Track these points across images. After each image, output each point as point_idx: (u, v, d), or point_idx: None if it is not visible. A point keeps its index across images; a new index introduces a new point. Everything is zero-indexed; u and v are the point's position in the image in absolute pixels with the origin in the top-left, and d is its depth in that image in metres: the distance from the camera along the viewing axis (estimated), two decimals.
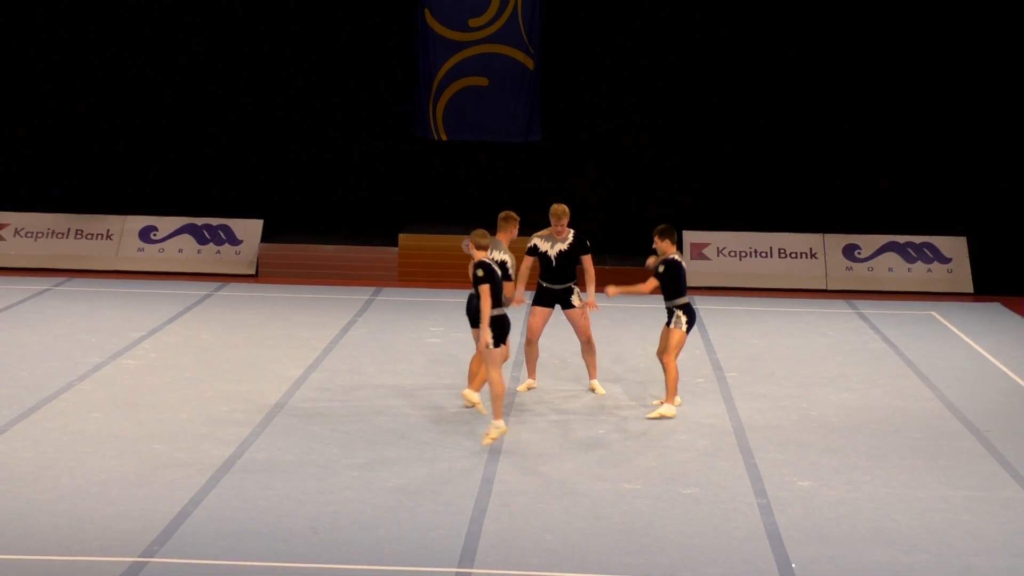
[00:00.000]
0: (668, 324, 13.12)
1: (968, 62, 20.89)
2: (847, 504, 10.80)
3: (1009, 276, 20.50)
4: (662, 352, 13.18)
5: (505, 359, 12.45)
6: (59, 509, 10.29)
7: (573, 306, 13.56)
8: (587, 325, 13.68)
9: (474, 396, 12.41)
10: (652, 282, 13.10)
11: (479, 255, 12.29)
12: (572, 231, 13.56)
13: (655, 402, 13.38)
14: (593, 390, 13.87)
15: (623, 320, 17.57)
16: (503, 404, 12.20)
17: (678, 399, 13.34)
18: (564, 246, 13.51)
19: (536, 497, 10.80)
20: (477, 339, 12.33)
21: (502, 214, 13.26)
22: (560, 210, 13.51)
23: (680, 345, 13.11)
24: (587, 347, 13.78)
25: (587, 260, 13.55)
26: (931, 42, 20.90)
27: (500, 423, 11.95)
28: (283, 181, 21.71)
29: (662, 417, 13.00)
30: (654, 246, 13.15)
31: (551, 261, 13.50)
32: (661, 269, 13.06)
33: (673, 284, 13.07)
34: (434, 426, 12.62)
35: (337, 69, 21.45)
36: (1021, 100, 20.84)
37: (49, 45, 21.51)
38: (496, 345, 12.10)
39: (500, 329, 12.13)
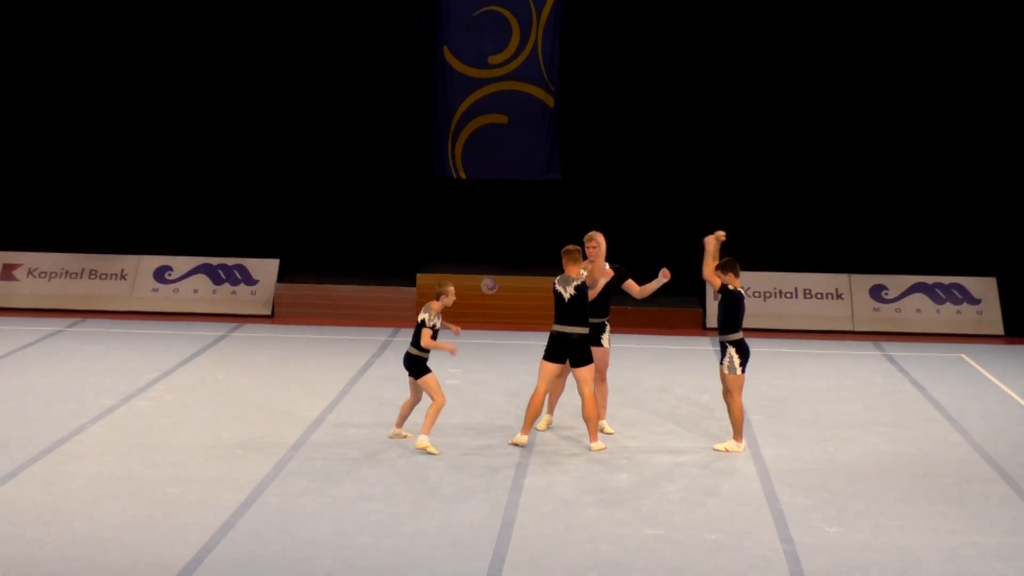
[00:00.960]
0: (721, 363, 13.21)
1: (999, 101, 20.89)
2: (875, 550, 10.74)
3: None
4: (726, 394, 13.31)
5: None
6: (71, 555, 10.29)
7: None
8: (605, 365, 13.72)
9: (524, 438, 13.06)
10: (715, 277, 13.21)
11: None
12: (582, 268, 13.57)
13: (718, 445, 13.47)
14: (602, 430, 13.85)
15: (644, 363, 17.56)
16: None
17: (743, 444, 13.37)
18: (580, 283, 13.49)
19: (556, 543, 10.76)
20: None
21: (564, 248, 13.31)
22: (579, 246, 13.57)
23: (740, 386, 13.26)
24: (600, 386, 13.77)
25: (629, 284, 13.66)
26: (960, 83, 20.90)
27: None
28: (299, 220, 21.78)
29: (728, 451, 13.30)
30: (716, 279, 13.21)
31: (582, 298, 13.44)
32: (717, 299, 13.16)
33: (730, 316, 13.15)
34: (453, 470, 12.60)
35: (355, 107, 21.54)
36: None
37: (66, 84, 21.64)
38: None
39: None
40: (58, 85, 21.67)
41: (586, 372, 13.22)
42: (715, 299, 13.20)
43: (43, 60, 21.65)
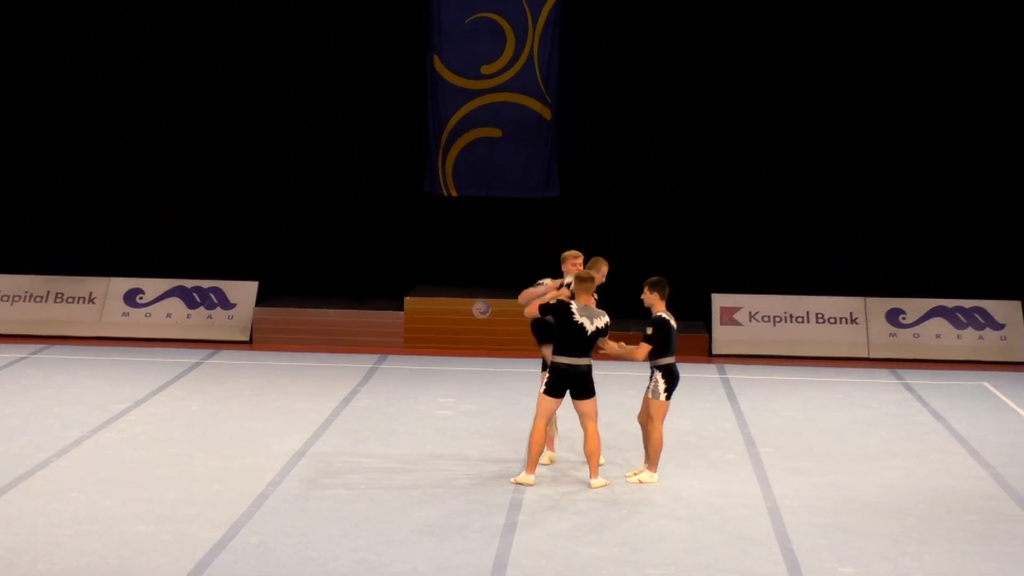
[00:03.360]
0: (647, 388, 13.29)
1: (1020, 118, 20.94)
2: None
3: None
4: (645, 418, 13.35)
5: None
6: None
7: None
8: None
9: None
10: (644, 348, 13.22)
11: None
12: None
13: (631, 473, 13.49)
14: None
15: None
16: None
17: (656, 474, 13.35)
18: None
19: None
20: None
21: (579, 275, 13.28)
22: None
23: (663, 414, 13.32)
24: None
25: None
26: (984, 100, 20.96)
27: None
28: (279, 240, 21.78)
29: (641, 483, 13.27)
30: (642, 297, 13.26)
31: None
32: (649, 331, 13.18)
33: (662, 344, 13.22)
34: (442, 505, 12.58)
35: (339, 120, 21.56)
36: None
37: (29, 98, 21.66)
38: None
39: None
40: (22, 100, 21.68)
41: (590, 406, 13.19)
42: (644, 337, 13.24)
43: (6, 78, 21.66)
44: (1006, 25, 20.84)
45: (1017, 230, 21.08)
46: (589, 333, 13.03)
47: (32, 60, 21.62)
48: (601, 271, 13.60)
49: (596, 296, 13.34)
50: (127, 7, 21.47)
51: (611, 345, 13.25)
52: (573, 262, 13.65)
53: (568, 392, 13.19)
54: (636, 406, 14.02)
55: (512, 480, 13.36)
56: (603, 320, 13.11)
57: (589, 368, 13.15)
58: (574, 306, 13.07)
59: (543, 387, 13.26)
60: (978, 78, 20.97)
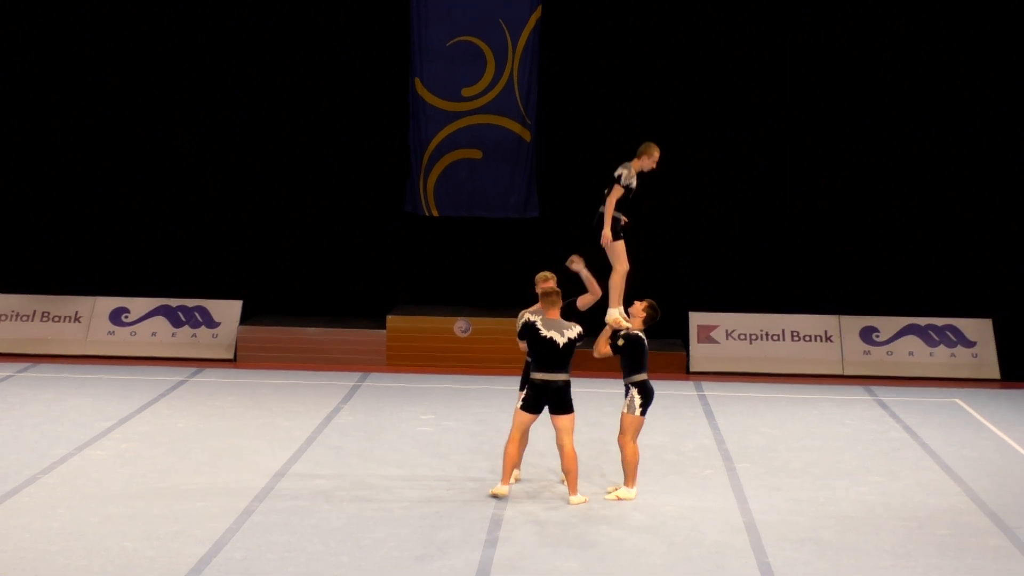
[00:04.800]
0: (624, 405, 13.30)
1: (993, 138, 21.02)
2: None
3: None
4: (620, 436, 13.37)
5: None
6: None
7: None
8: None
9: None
10: (605, 349, 13.41)
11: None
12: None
13: (610, 489, 13.47)
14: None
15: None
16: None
17: (634, 490, 13.34)
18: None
19: None
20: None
21: (544, 291, 13.40)
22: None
23: (637, 429, 13.32)
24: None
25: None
26: (951, 118, 21.03)
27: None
28: (263, 260, 21.75)
29: (620, 499, 13.24)
30: (631, 308, 13.30)
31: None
32: (620, 343, 13.19)
33: (634, 360, 13.25)
34: (424, 522, 12.55)
35: (322, 141, 21.56)
36: None
37: (12, 119, 21.62)
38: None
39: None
40: (6, 122, 21.62)
41: (568, 421, 13.19)
42: (613, 347, 13.34)
43: None
44: (977, 50, 20.93)
45: (987, 249, 21.13)
46: (561, 346, 13.05)
47: (16, 83, 21.57)
48: (653, 156, 14.06)
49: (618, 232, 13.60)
50: (107, 36, 21.40)
51: (601, 345, 13.43)
52: (542, 286, 13.60)
53: (547, 408, 13.19)
54: (614, 423, 14.03)
55: (490, 492, 13.37)
56: (574, 331, 13.15)
57: (566, 384, 13.14)
58: (539, 322, 13.10)
59: (519, 402, 13.28)
60: (946, 100, 21.03)
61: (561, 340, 13.05)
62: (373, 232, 21.65)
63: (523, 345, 13.24)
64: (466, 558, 11.57)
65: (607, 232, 13.95)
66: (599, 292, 13.82)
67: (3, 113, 21.66)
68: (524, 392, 13.26)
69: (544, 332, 13.07)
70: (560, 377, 13.09)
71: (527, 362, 13.37)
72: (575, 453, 13.27)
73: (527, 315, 13.26)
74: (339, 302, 21.68)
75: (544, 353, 13.06)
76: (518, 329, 13.22)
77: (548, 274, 13.75)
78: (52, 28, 21.50)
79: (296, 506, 12.94)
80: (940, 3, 20.89)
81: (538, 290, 13.60)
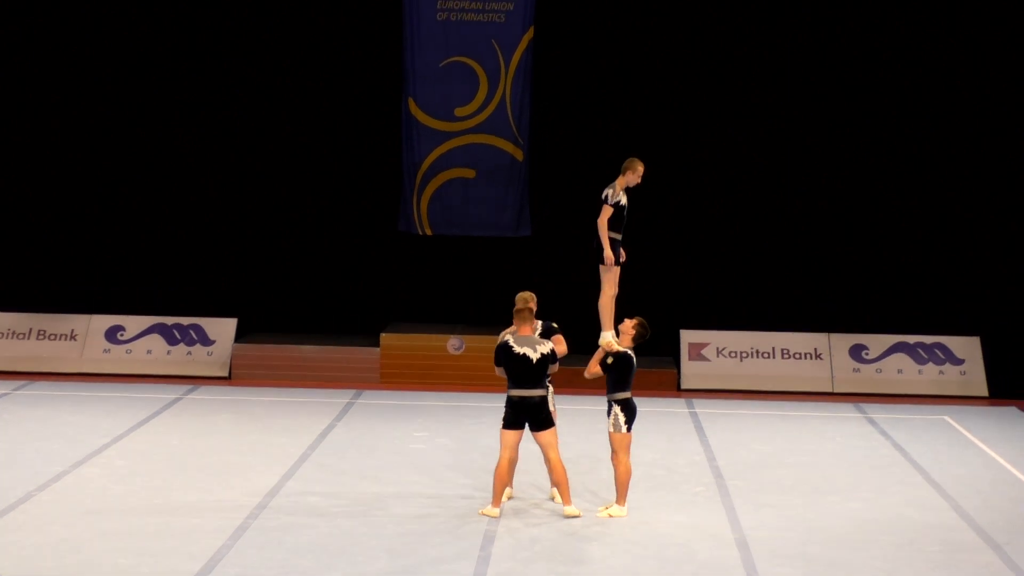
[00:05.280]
0: (608, 424, 13.30)
1: (981, 159, 21.08)
2: None
3: None
4: (612, 455, 13.37)
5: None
6: None
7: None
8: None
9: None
10: (595, 369, 13.38)
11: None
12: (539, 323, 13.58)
13: (601, 509, 13.44)
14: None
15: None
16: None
17: (625, 508, 13.35)
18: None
19: None
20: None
21: (517, 308, 13.36)
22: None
23: (628, 446, 13.31)
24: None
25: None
26: (936, 141, 21.10)
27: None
28: (258, 278, 21.75)
29: (611, 517, 13.21)
30: (620, 328, 13.32)
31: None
32: (610, 361, 13.21)
33: (619, 378, 13.27)
34: (417, 537, 12.54)
35: (316, 159, 21.58)
36: None
37: (8, 131, 21.62)
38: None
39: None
40: (10, 146, 21.65)
41: (550, 436, 13.20)
42: (603, 365, 13.37)
43: None
44: (961, 65, 21.00)
45: (976, 268, 21.17)
46: (535, 362, 13.09)
47: (12, 100, 21.57)
48: (637, 171, 13.95)
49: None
50: (107, 36, 21.40)
51: (592, 365, 13.44)
52: (518, 306, 13.55)
53: (527, 426, 13.20)
54: (602, 439, 14.03)
55: (480, 511, 13.36)
56: (547, 347, 13.19)
57: (543, 399, 13.18)
58: (511, 340, 13.14)
59: (501, 422, 13.30)
60: (934, 119, 21.08)
61: (534, 356, 13.11)
62: (367, 251, 21.66)
63: (500, 371, 13.27)
64: (458, 574, 11.56)
65: (608, 254, 13.92)
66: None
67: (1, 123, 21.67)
68: (504, 411, 13.28)
69: (517, 349, 13.12)
70: (536, 393, 13.14)
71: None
72: (563, 465, 13.29)
73: (505, 334, 13.30)
74: (333, 320, 21.68)
75: (519, 370, 13.11)
76: (495, 355, 13.26)
77: (527, 295, 13.66)
78: (52, 28, 21.44)
79: (290, 522, 12.92)
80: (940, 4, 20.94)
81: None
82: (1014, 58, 20.90)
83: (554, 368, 13.31)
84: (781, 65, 21.13)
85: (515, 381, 13.13)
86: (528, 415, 13.15)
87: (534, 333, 13.28)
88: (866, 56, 21.06)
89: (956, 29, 20.93)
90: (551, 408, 13.40)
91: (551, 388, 13.53)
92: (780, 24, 21.10)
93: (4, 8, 21.43)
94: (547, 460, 13.29)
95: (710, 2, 21.15)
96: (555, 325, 13.65)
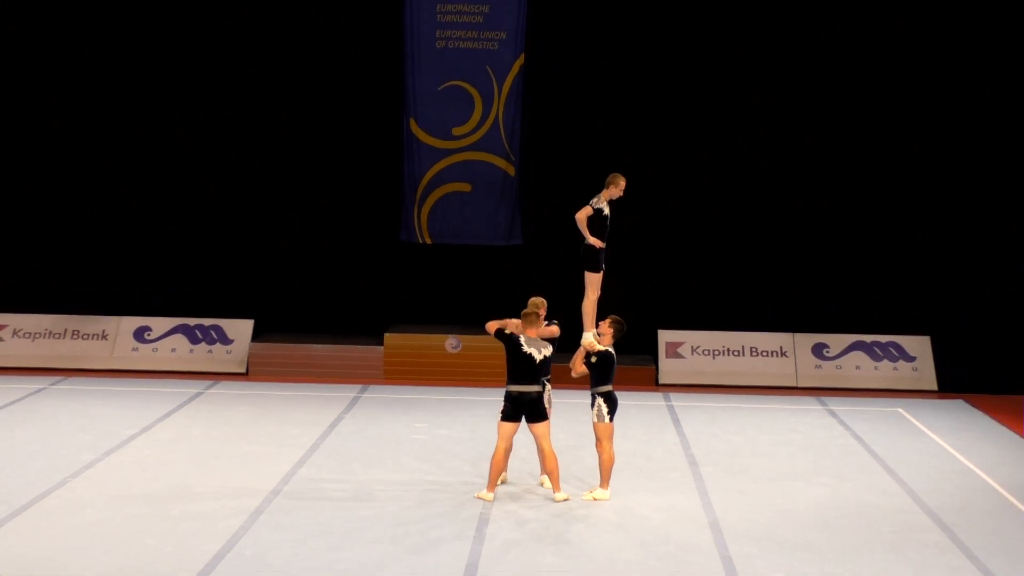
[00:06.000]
0: (592, 415, 13.28)
1: (928, 171, 21.07)
2: None
3: (972, 374, 20.53)
4: (597, 443, 13.37)
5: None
6: None
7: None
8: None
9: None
10: (580, 368, 13.38)
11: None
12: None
13: (586, 493, 13.39)
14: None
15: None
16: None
17: (608, 491, 13.31)
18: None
19: None
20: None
21: (525, 312, 13.38)
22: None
23: (611, 434, 13.30)
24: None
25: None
26: (894, 149, 21.09)
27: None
28: (273, 283, 21.70)
29: (595, 500, 13.20)
30: (599, 330, 13.29)
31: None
32: (594, 360, 13.21)
33: (602, 374, 13.26)
34: (418, 519, 12.52)
35: (326, 175, 21.53)
36: (979, 208, 21.01)
37: (48, 155, 21.57)
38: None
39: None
40: (44, 154, 21.57)
41: (544, 427, 13.20)
42: (587, 362, 13.36)
43: (29, 132, 21.56)
44: (927, 79, 21.00)
45: (927, 274, 21.15)
46: (538, 362, 13.11)
47: (32, 103, 21.50)
48: (619, 185, 13.95)
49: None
50: (108, 37, 21.26)
51: (577, 365, 13.41)
52: (529, 309, 13.53)
53: (524, 418, 13.19)
54: (584, 431, 14.02)
55: (476, 495, 13.33)
56: (548, 350, 13.23)
57: (539, 395, 13.18)
58: (523, 339, 13.13)
59: (500, 415, 13.27)
60: (889, 125, 21.06)
61: (538, 357, 13.14)
62: (372, 258, 21.62)
63: (493, 325, 13.22)
64: (456, 553, 11.54)
65: (593, 240, 13.90)
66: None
67: (37, 149, 21.58)
68: (503, 405, 13.26)
69: (525, 348, 13.12)
70: (534, 389, 13.14)
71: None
72: (555, 455, 13.29)
73: (510, 328, 13.28)
74: (341, 321, 21.63)
75: (522, 368, 13.11)
76: (505, 332, 13.18)
77: (539, 301, 13.65)
78: (52, 28, 21.25)
79: (302, 506, 12.89)
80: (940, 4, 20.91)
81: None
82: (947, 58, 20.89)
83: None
84: (761, 79, 21.11)
85: (516, 377, 13.14)
86: (525, 409, 13.15)
87: (537, 336, 13.28)
88: (855, 64, 21.02)
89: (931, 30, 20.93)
90: (546, 403, 13.37)
91: (548, 385, 13.51)
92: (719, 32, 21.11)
93: (4, 8, 21.27)
94: (540, 450, 13.30)
95: (687, 17, 21.04)
96: (555, 321, 13.69)
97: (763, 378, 20.54)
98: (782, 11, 20.92)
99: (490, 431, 15.79)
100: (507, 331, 13.20)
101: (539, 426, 13.18)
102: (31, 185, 21.66)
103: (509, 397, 13.16)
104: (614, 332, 13.37)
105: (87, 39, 21.23)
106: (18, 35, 21.31)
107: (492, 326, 13.27)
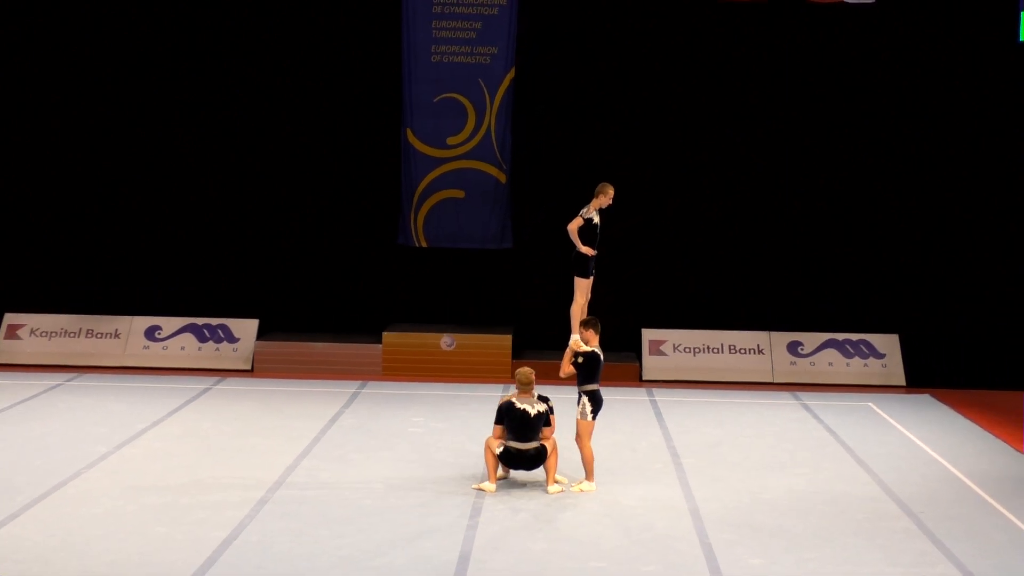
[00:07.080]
0: (576, 411, 13.29)
1: (895, 177, 21.10)
2: None
3: (938, 370, 20.57)
4: (577, 438, 13.37)
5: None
6: None
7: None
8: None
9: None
10: (568, 368, 13.36)
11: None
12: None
13: (574, 486, 13.40)
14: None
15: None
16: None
17: (594, 483, 13.32)
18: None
19: (509, 574, 10.70)
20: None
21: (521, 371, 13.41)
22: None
23: (590, 432, 13.31)
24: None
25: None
26: (867, 153, 21.12)
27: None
28: (277, 284, 21.68)
29: (583, 491, 13.21)
30: (583, 337, 13.31)
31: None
32: (580, 360, 13.22)
33: (588, 373, 13.27)
34: (415, 508, 12.53)
35: (326, 181, 21.53)
36: (945, 212, 21.05)
37: (59, 163, 21.53)
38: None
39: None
40: (59, 158, 21.52)
41: (546, 432, 13.29)
42: (574, 363, 13.36)
43: (43, 134, 21.52)
44: (907, 99, 21.04)
45: (896, 274, 21.18)
46: (532, 416, 13.15)
47: (41, 105, 21.46)
48: (608, 194, 13.92)
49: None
50: (111, 38, 21.16)
51: (565, 365, 13.40)
52: (520, 379, 13.44)
53: (519, 466, 13.34)
54: (568, 430, 14.03)
55: (473, 486, 13.34)
56: (544, 405, 13.25)
57: (537, 452, 13.17)
58: (514, 398, 13.23)
59: (499, 448, 13.18)
60: (865, 130, 21.09)
61: (532, 411, 13.17)
62: (371, 260, 21.62)
63: (497, 431, 13.24)
64: (451, 540, 11.55)
65: (583, 248, 13.91)
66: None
67: (53, 153, 21.54)
68: (500, 450, 13.21)
69: (518, 404, 13.18)
70: (531, 446, 13.17)
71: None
72: (558, 451, 13.41)
73: (507, 397, 13.36)
74: (342, 320, 21.62)
75: (517, 424, 13.14)
76: (496, 416, 13.27)
77: (529, 372, 13.54)
78: (54, 28, 21.12)
79: (305, 496, 12.89)
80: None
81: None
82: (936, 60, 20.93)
83: (547, 431, 13.24)
84: (751, 87, 21.14)
85: (513, 434, 13.18)
86: (523, 466, 13.25)
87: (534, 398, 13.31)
88: (839, 75, 21.05)
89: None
90: (551, 418, 13.39)
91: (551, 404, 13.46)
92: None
93: (4, 8, 21.19)
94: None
95: (675, 23, 21.03)
96: (550, 401, 13.53)
97: (741, 374, 20.57)
98: (775, 12, 20.82)
99: (482, 424, 15.81)
100: (579, 360, 13.20)
101: (543, 430, 13.29)
102: (47, 192, 21.58)
103: (507, 452, 13.20)
104: (594, 331, 13.38)
105: (88, 39, 21.15)
106: (22, 35, 21.22)
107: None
